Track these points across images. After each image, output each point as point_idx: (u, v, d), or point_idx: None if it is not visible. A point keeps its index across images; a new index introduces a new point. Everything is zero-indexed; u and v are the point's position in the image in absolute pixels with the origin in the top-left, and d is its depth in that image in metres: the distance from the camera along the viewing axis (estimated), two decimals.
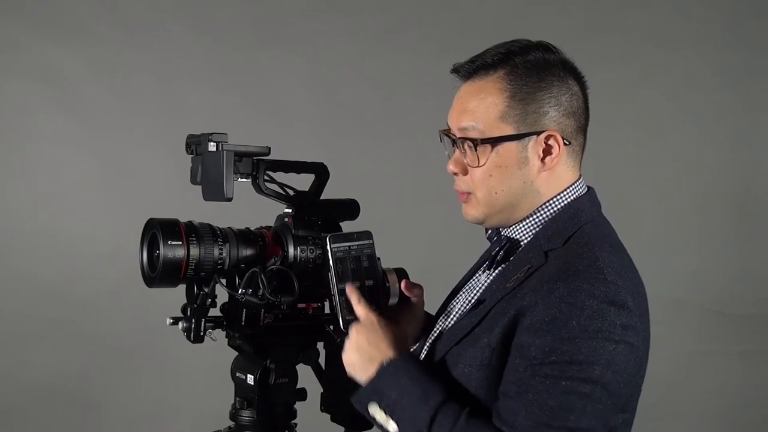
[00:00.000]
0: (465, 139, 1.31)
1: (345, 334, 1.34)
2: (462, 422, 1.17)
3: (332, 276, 1.35)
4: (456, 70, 1.37)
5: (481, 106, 1.30)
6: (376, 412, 1.25)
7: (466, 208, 1.37)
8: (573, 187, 1.34)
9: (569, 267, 1.21)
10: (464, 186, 1.35)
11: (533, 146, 1.30)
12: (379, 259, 1.43)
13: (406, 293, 1.48)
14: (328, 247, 1.35)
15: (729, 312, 3.49)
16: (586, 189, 1.37)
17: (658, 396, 3.33)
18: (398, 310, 1.49)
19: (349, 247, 1.37)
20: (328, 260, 1.35)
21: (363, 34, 3.47)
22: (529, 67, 1.30)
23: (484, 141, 1.29)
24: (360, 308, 1.34)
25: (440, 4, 3.49)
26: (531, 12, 3.42)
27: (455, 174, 1.36)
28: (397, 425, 1.22)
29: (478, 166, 1.31)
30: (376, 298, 1.38)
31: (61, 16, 3.35)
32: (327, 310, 1.54)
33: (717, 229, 3.51)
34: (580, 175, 1.37)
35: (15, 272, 3.31)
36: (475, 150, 1.30)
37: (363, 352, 1.30)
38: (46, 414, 3.30)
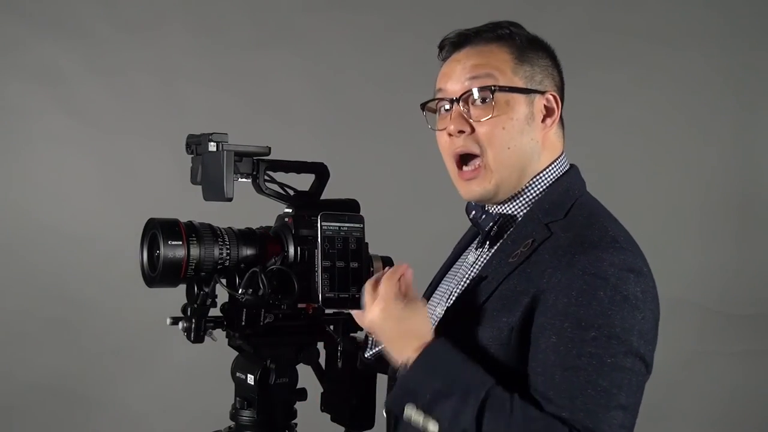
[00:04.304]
0: (480, 89, 1.30)
1: (324, 312, 1.33)
2: (518, 414, 1.13)
3: (318, 252, 1.36)
4: (447, 39, 1.39)
5: (493, 60, 1.33)
6: (412, 414, 1.19)
7: (471, 185, 1.34)
8: (559, 160, 1.37)
9: (584, 239, 1.22)
10: (471, 145, 1.32)
11: (537, 104, 1.33)
12: (367, 244, 1.43)
13: None
14: (319, 225, 1.36)
15: (729, 312, 3.49)
16: (569, 165, 1.40)
17: (658, 396, 3.32)
18: None
19: (339, 227, 1.38)
20: (317, 237, 1.36)
21: (363, 34, 3.47)
22: (526, 38, 1.37)
23: (502, 88, 1.31)
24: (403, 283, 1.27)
25: (440, 4, 3.49)
26: (531, 12, 3.40)
27: (461, 133, 1.32)
28: (438, 424, 1.17)
29: (491, 117, 1.30)
30: (359, 280, 1.38)
31: (61, 16, 3.35)
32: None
33: (717, 229, 3.51)
34: (563, 150, 1.40)
35: (15, 272, 3.31)
36: (492, 97, 1.30)
37: (401, 323, 1.24)
38: (46, 414, 3.30)
